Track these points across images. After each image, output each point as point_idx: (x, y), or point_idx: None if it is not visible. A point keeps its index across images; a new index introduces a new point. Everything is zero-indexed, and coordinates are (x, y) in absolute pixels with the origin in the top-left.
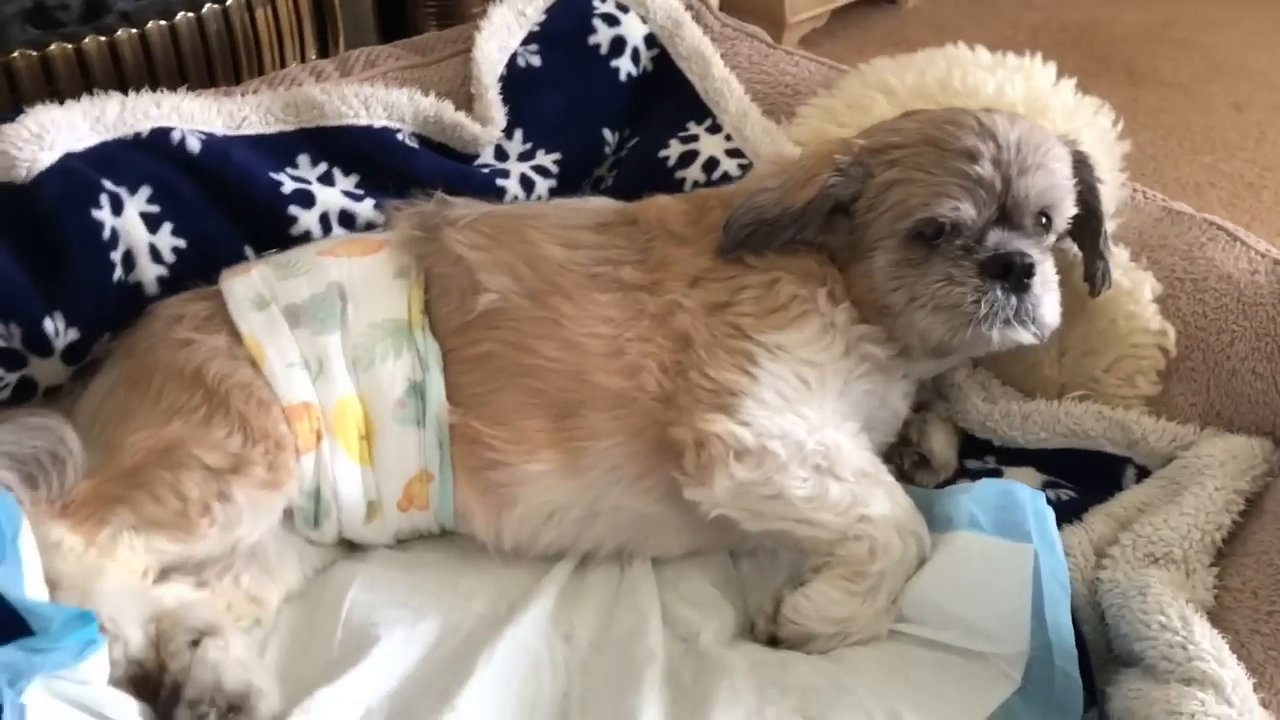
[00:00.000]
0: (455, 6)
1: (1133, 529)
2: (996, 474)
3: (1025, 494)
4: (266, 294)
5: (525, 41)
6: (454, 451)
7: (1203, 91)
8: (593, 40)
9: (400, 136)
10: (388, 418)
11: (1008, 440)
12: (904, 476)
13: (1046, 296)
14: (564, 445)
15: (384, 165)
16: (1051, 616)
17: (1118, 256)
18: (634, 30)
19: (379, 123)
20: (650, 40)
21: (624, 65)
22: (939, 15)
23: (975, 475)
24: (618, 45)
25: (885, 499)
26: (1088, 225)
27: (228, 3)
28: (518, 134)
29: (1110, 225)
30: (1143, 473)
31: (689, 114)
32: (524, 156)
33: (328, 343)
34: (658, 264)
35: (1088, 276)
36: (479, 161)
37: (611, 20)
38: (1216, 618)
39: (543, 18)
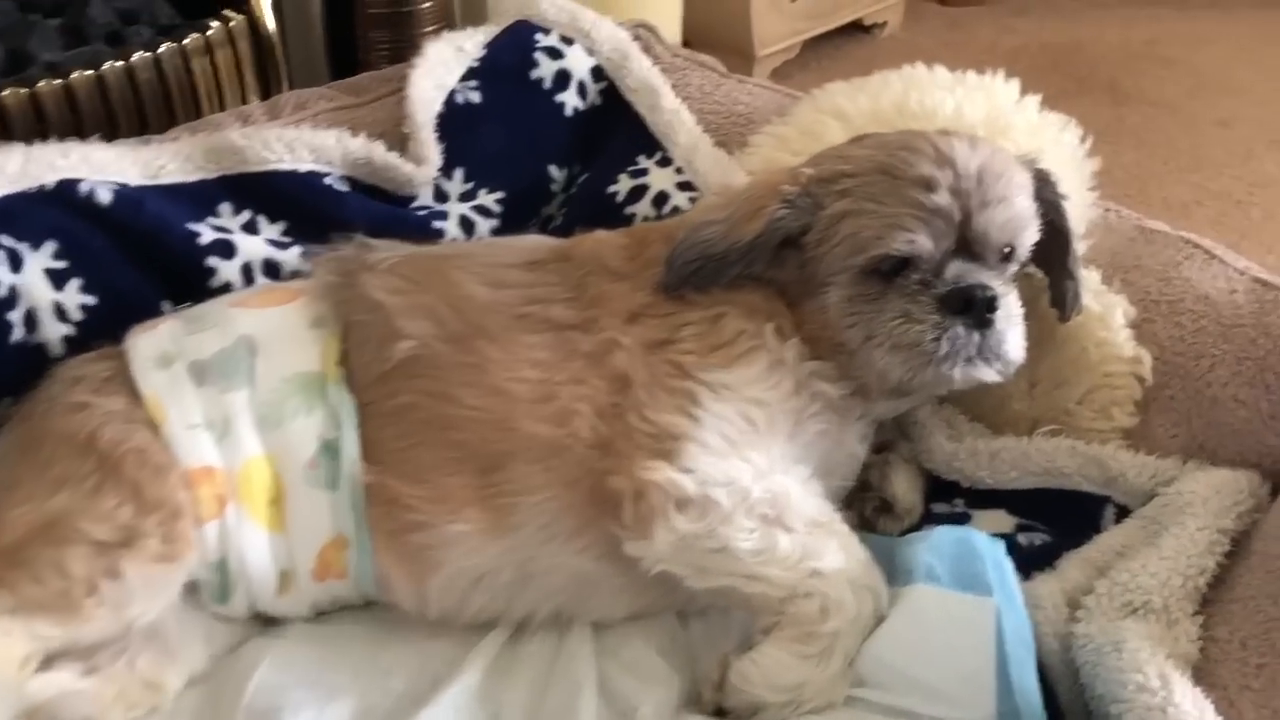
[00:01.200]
0: (407, 46)
1: (1109, 576)
2: (964, 518)
3: (983, 542)
4: (173, 350)
5: (464, 77)
6: (371, 514)
7: (1188, 109)
8: (535, 74)
9: (328, 180)
10: (299, 480)
11: (976, 481)
12: (866, 524)
13: (1011, 331)
14: (491, 502)
15: (311, 211)
16: (1016, 678)
17: (1088, 279)
18: (579, 63)
19: (304, 166)
20: (597, 73)
21: (569, 99)
22: (914, 43)
23: (943, 520)
24: (562, 79)
25: (838, 551)
26: (1054, 246)
27: (159, 51)
28: (458, 173)
29: (1080, 246)
30: (1123, 512)
31: (638, 148)
32: (465, 197)
33: (234, 400)
34: (592, 301)
35: (1055, 300)
36: (417, 204)
37: (555, 54)
38: (1202, 673)
39: (482, 53)
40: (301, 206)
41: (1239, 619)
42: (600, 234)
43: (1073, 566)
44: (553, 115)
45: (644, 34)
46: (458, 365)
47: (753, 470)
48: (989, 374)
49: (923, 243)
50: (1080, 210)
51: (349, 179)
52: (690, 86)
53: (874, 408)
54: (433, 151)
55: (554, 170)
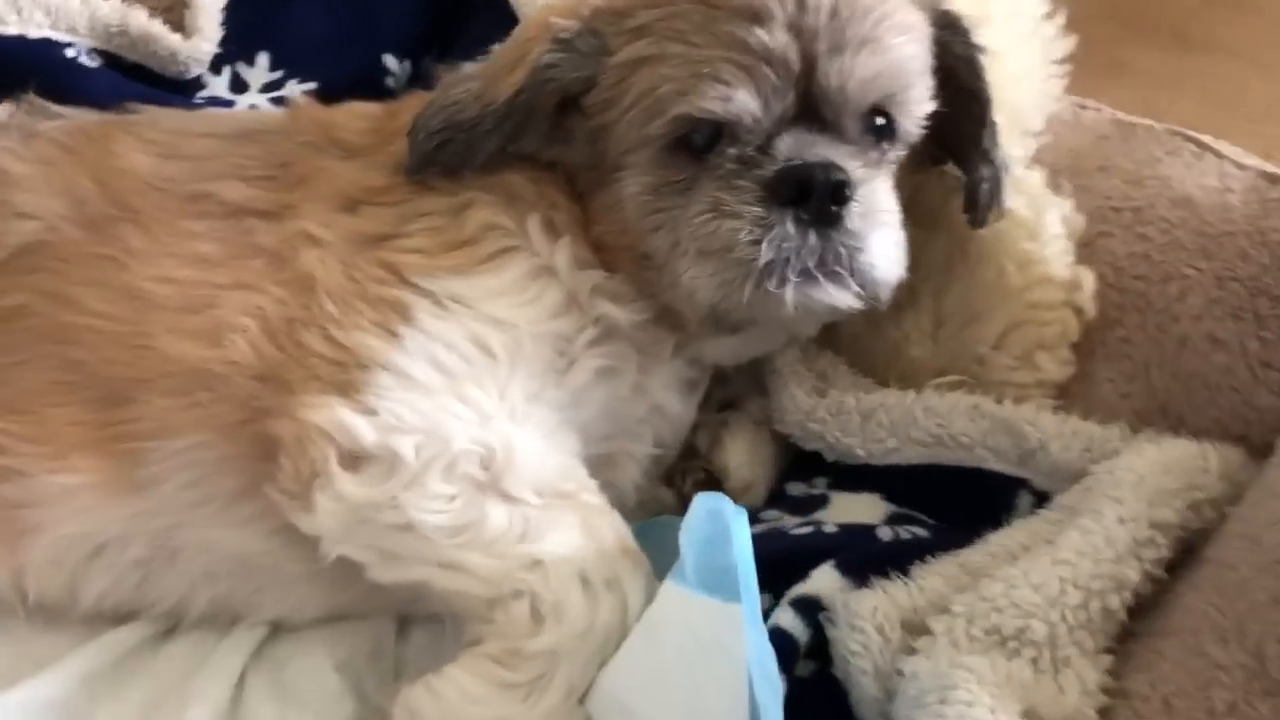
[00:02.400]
0: None
1: (977, 589)
2: (821, 503)
3: (734, 516)
4: None
5: None
6: None
7: (1264, 58)
8: None
9: (71, 53)
10: None
11: (844, 452)
12: (685, 505)
13: (875, 234)
14: (112, 446)
15: (47, 89)
16: None
17: (1025, 180)
18: None
19: (36, 32)
20: None
21: None
22: None
23: (798, 505)
24: None
25: (574, 532)
26: (966, 119)
27: None
28: (262, 59)
29: (1027, 144)
30: (1043, 501)
31: (498, 33)
32: (269, 88)
33: None
34: (298, 181)
35: (967, 199)
36: (204, 93)
37: None
38: None
39: None
40: (32, 82)
41: (1169, 664)
42: (353, 104)
43: (933, 574)
44: None
45: None
46: (89, 258)
47: (468, 414)
48: (840, 296)
49: (743, 100)
50: (1036, 99)
51: (105, 54)
52: None
53: (700, 347)
54: (208, 22)
55: (390, 61)
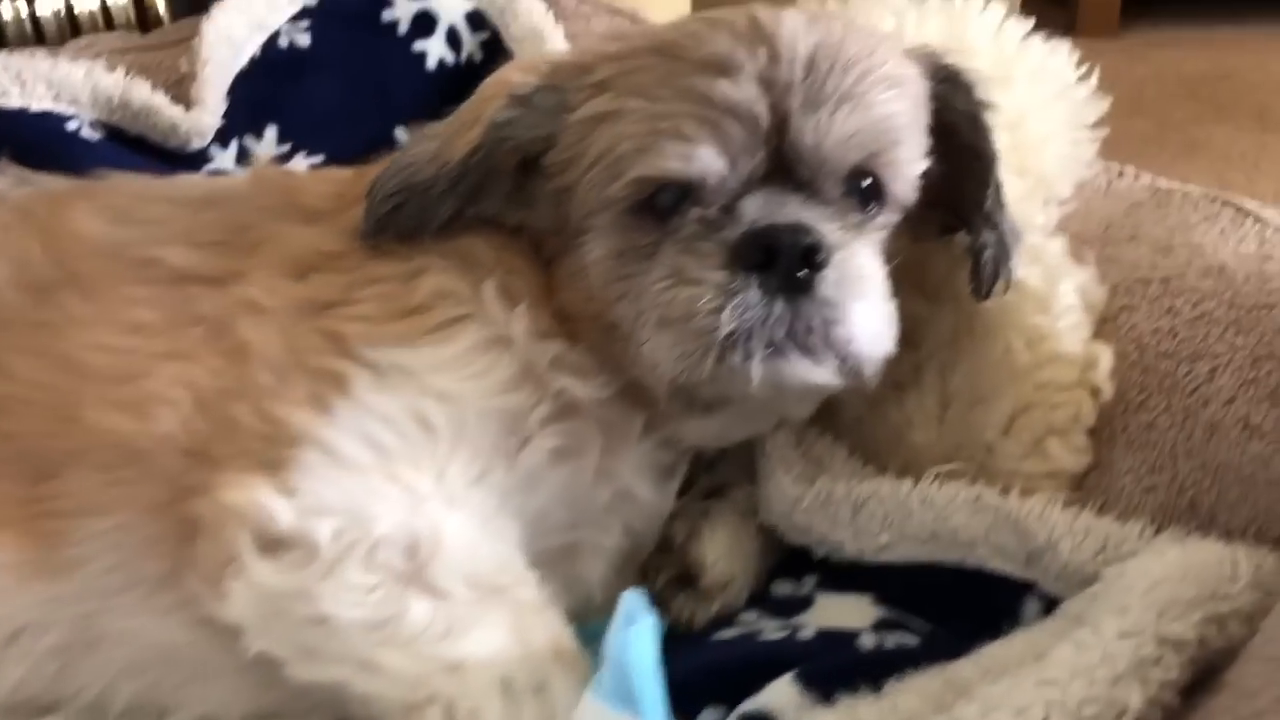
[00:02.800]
0: None
1: (951, 711)
2: (806, 604)
3: (636, 618)
4: None
5: (296, 17)
6: None
7: None
8: (388, 16)
9: (73, 125)
10: None
11: (834, 547)
12: (660, 603)
13: (854, 304)
14: (36, 524)
15: (48, 162)
16: None
17: (1043, 249)
18: (449, 6)
19: (39, 106)
20: (476, 20)
21: (433, 49)
22: None
23: (783, 607)
24: (424, 24)
25: (502, 631)
26: (968, 179)
27: None
28: (270, 132)
29: (1050, 211)
30: (1053, 608)
31: None
32: (277, 161)
33: None
34: (251, 247)
35: (972, 265)
36: (212, 166)
37: None
38: None
39: None
40: (37, 156)
41: None
42: (325, 169)
43: (911, 691)
44: (408, 67)
45: (622, 33)
46: (28, 324)
47: (398, 496)
48: (815, 372)
49: (706, 158)
50: (1063, 164)
51: (107, 127)
52: (594, 36)
53: (676, 429)
54: (211, 94)
55: (403, 134)
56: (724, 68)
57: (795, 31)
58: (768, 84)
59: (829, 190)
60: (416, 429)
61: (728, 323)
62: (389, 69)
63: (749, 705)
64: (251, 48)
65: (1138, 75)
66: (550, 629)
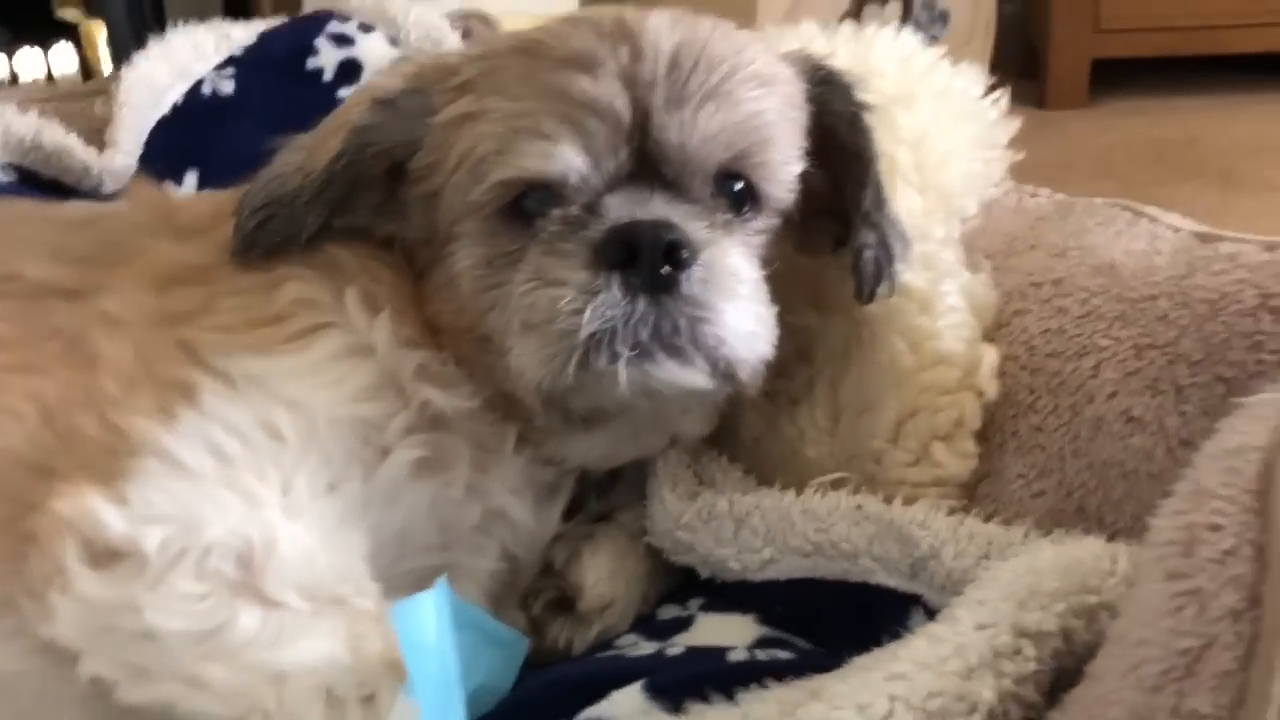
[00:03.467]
0: None
1: (796, 713)
2: (684, 625)
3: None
4: None
5: (220, 66)
6: None
7: None
8: (312, 64)
9: None
10: None
11: (716, 565)
12: (538, 629)
13: (725, 304)
14: None
15: None
16: None
17: (935, 256)
18: (374, 52)
19: None
20: None
21: None
22: None
23: (661, 631)
24: (349, 71)
25: (331, 640)
26: (848, 181)
27: None
28: (190, 176)
29: (951, 225)
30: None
31: None
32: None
33: None
34: (117, 262)
35: (852, 267)
36: None
37: (343, 41)
38: None
39: (253, 41)
40: None
41: None
42: (208, 192)
43: (770, 699)
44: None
45: (474, 24)
46: None
47: (235, 503)
48: (684, 375)
49: (566, 156)
50: (966, 180)
51: (20, 170)
52: None
53: (558, 447)
54: (126, 136)
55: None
56: (585, 64)
57: (659, 29)
58: (629, 81)
59: (696, 189)
60: (264, 437)
61: (590, 322)
62: (312, 116)
63: (591, 712)
64: (174, 95)
65: (1106, 142)
66: (387, 640)
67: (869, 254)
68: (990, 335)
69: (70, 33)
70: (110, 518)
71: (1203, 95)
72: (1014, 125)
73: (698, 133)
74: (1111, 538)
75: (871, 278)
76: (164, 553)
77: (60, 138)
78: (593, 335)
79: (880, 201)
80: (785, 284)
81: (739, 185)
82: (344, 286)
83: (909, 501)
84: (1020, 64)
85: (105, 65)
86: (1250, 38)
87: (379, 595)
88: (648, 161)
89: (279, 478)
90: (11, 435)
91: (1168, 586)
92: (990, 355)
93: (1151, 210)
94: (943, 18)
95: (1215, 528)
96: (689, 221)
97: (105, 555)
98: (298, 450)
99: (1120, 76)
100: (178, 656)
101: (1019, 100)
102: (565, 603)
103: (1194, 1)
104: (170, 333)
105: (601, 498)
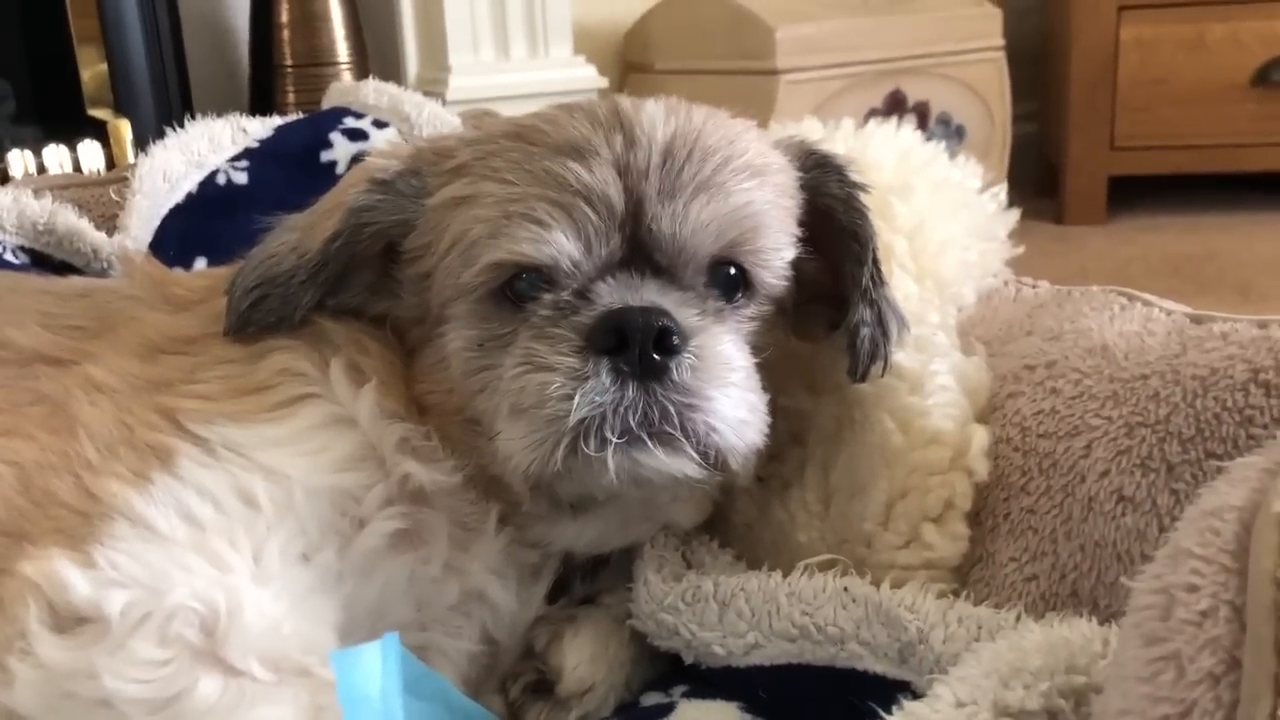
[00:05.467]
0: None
1: None
2: (665, 712)
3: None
4: None
5: (235, 158)
6: None
7: None
8: (326, 157)
9: None
10: None
11: (701, 649)
12: (514, 715)
13: (716, 392)
14: None
15: None
16: None
17: (928, 340)
18: None
19: None
20: None
21: None
22: None
23: (642, 718)
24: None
25: (293, 709)
26: (846, 259)
27: None
28: (200, 263)
29: (947, 311)
30: None
31: None
32: None
33: None
34: (107, 331)
35: (849, 345)
36: None
37: (357, 135)
38: None
39: (269, 134)
40: None
41: None
42: (206, 269)
43: None
44: None
45: (485, 121)
46: None
47: (203, 568)
48: (674, 463)
49: (559, 242)
50: (961, 269)
51: (31, 252)
52: None
53: (545, 532)
54: (137, 221)
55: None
56: (579, 152)
57: (654, 118)
58: (623, 169)
59: (689, 278)
60: (239, 504)
61: (580, 408)
62: None
63: None
64: (189, 184)
65: (1124, 256)
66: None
67: (865, 331)
68: (984, 418)
69: (98, 131)
70: (75, 580)
71: (1221, 213)
72: (1013, 217)
73: (690, 223)
74: (1105, 621)
75: (867, 356)
76: (127, 617)
77: (73, 221)
78: (582, 421)
79: (879, 280)
80: (779, 368)
81: (731, 271)
82: (330, 357)
83: (898, 585)
84: (1037, 181)
85: (129, 161)
86: (1268, 156)
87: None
88: (640, 248)
89: (251, 544)
90: None
91: (1145, 652)
92: (981, 435)
93: (1146, 295)
94: (958, 133)
95: (1192, 588)
96: (680, 308)
97: (68, 619)
98: (272, 518)
99: (1138, 194)
100: None
101: (1037, 216)
102: (544, 686)
103: (1210, 120)
104: (152, 399)
105: (587, 580)
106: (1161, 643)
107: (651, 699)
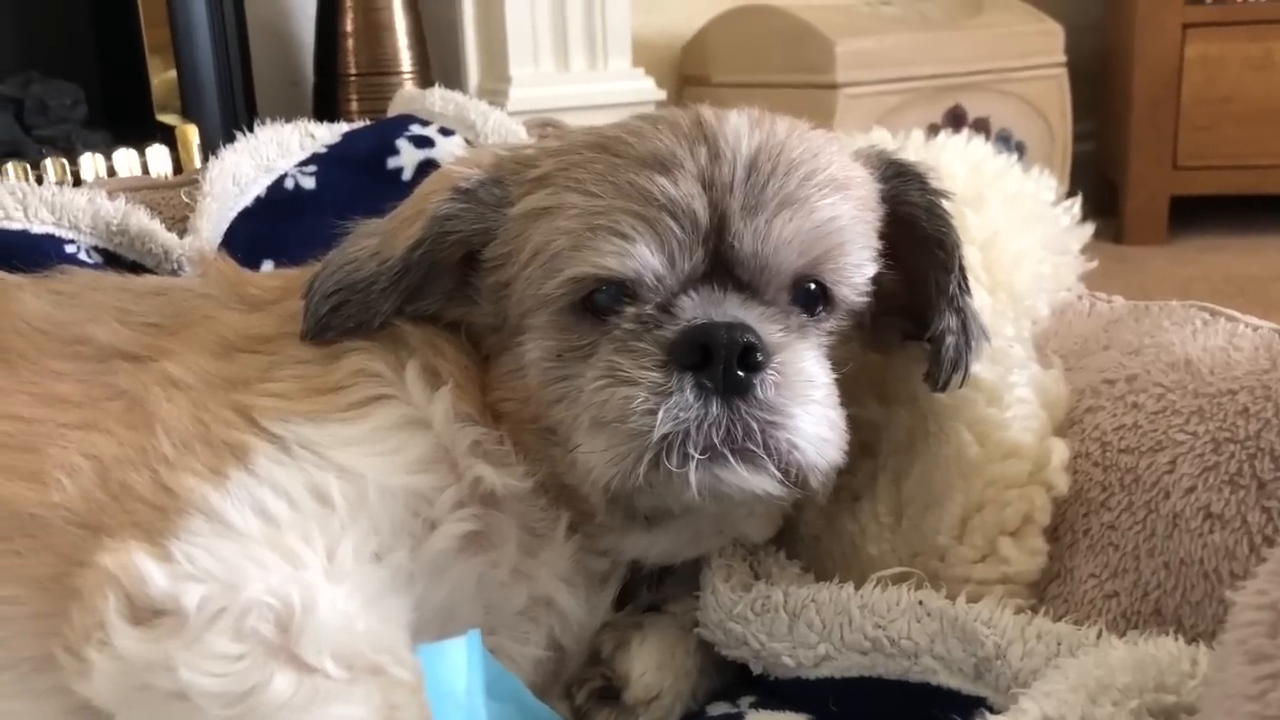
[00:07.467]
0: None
1: None
2: None
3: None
4: None
5: (304, 163)
6: None
7: None
8: (393, 163)
9: (71, 249)
10: None
11: (769, 660)
12: (580, 718)
13: (798, 409)
14: None
15: None
16: None
17: (1006, 351)
18: (452, 154)
19: (40, 228)
20: None
21: None
22: None
23: None
24: (427, 171)
25: (365, 708)
26: (932, 266)
27: None
28: (266, 265)
29: (1022, 324)
30: None
31: None
32: None
33: None
34: (184, 328)
35: (932, 353)
36: None
37: (424, 142)
38: None
39: (336, 140)
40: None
41: None
42: (280, 269)
43: None
44: None
45: (550, 131)
46: None
47: (278, 564)
48: (756, 480)
49: (643, 256)
50: (1035, 281)
51: (104, 252)
52: None
53: (617, 542)
54: (207, 224)
55: None
56: (664, 165)
57: (738, 131)
58: (708, 183)
59: (771, 293)
60: (313, 502)
61: (663, 423)
62: (389, 212)
63: None
64: (258, 188)
65: (1186, 276)
66: (423, 712)
67: (950, 339)
68: (1062, 432)
69: (167, 135)
70: (153, 573)
71: None
72: (1086, 232)
73: (773, 239)
74: (1191, 641)
75: (950, 365)
76: (203, 611)
77: (145, 222)
78: (665, 437)
79: (966, 288)
80: (850, 378)
81: (813, 287)
82: (405, 360)
83: (974, 600)
84: (1096, 200)
85: (196, 165)
86: None
87: (418, 666)
88: (723, 263)
89: (325, 542)
90: (66, 492)
91: (1252, 669)
92: (1060, 448)
93: (1229, 311)
94: (1019, 149)
95: None
96: (763, 324)
97: (146, 611)
98: (346, 517)
99: (1200, 213)
100: (209, 718)
101: (1095, 236)
102: (611, 692)
103: (1275, 140)
104: (228, 397)
105: (653, 588)
106: (1270, 660)
107: (718, 709)
